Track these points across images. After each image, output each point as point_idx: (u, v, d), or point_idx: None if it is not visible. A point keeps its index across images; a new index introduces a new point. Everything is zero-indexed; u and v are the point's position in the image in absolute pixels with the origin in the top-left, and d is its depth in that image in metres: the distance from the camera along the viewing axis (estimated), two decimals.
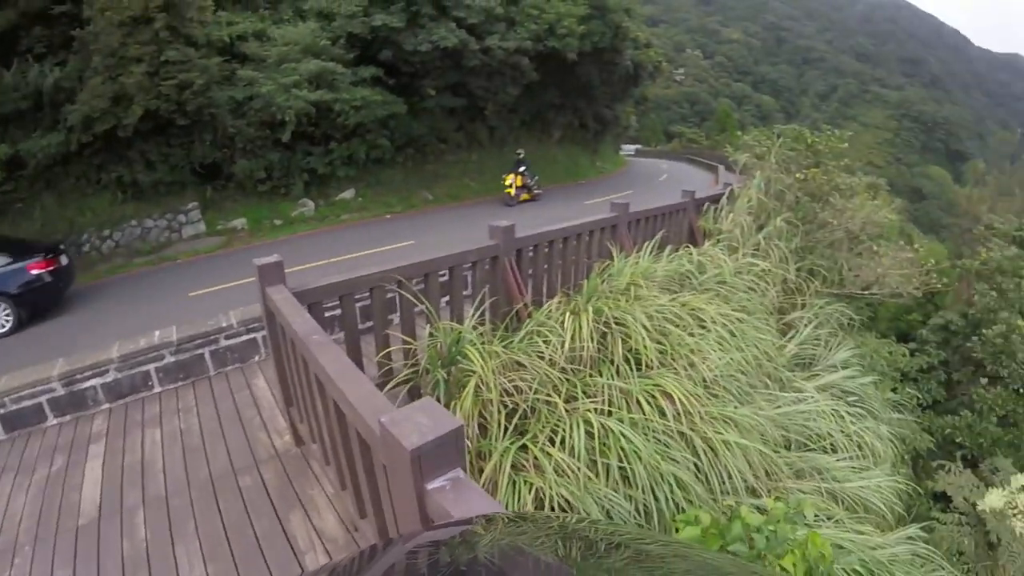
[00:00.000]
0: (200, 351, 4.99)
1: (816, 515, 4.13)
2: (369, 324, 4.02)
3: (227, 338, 5.10)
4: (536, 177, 18.60)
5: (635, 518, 3.34)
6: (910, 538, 4.38)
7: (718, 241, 7.11)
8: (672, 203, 7.32)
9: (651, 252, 5.64)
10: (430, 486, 1.52)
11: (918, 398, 9.27)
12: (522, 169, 17.67)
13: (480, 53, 17.16)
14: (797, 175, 8.35)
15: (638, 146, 47.57)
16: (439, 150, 19.37)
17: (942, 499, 7.40)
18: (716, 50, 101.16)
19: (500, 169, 20.11)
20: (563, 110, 24.10)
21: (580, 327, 4.01)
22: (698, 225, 7.82)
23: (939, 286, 10.02)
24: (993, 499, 6.41)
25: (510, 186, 17.47)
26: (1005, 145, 25.14)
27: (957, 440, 8.66)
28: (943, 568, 4.73)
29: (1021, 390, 8.89)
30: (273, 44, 15.17)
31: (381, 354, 3.74)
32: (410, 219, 16.16)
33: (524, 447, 3.34)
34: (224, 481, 3.59)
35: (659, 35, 76.71)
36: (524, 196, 17.83)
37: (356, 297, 3.64)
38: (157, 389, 4.83)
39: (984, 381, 9.31)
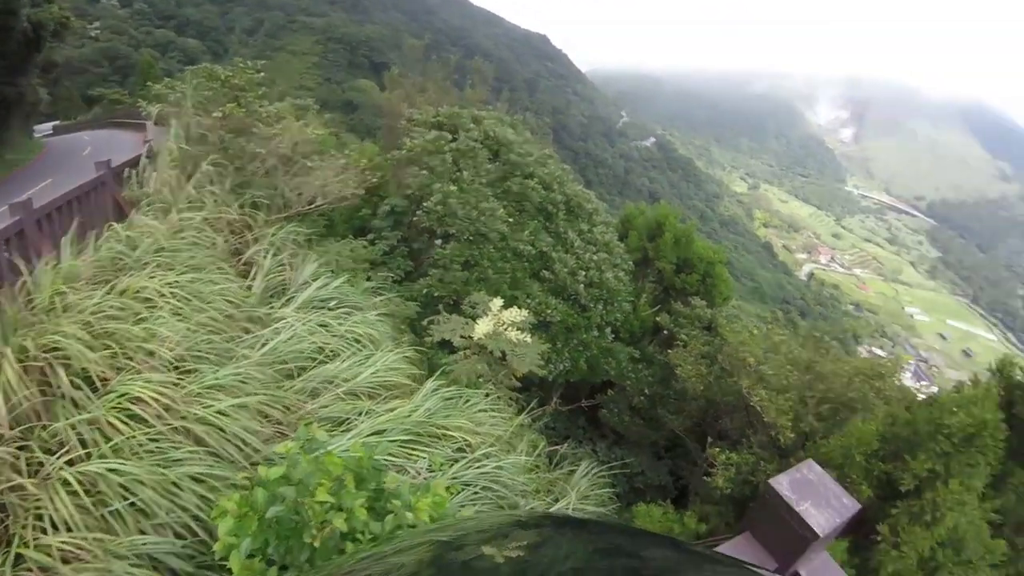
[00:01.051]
0: None
1: (346, 419, 4.48)
2: None
3: None
4: None
5: (184, 542, 3.01)
6: (435, 391, 4.98)
7: (149, 207, 6.52)
8: (84, 181, 6.32)
9: (74, 247, 4.82)
10: None
11: (392, 277, 10.55)
12: None
13: None
14: (215, 114, 8.20)
15: (56, 122, 38.43)
16: None
17: (448, 345, 8.47)
18: None
19: None
20: None
21: (6, 378, 3.23)
22: (123, 196, 7.03)
23: (375, 180, 11.65)
24: (482, 327, 7.86)
25: None
26: (416, 51, 30.56)
27: (436, 295, 10.62)
28: (475, 394, 5.81)
29: (469, 238, 11.36)
30: None
31: None
32: None
33: (19, 558, 2.71)
34: None
35: None
36: None
37: None
38: None
39: (439, 242, 11.59)
